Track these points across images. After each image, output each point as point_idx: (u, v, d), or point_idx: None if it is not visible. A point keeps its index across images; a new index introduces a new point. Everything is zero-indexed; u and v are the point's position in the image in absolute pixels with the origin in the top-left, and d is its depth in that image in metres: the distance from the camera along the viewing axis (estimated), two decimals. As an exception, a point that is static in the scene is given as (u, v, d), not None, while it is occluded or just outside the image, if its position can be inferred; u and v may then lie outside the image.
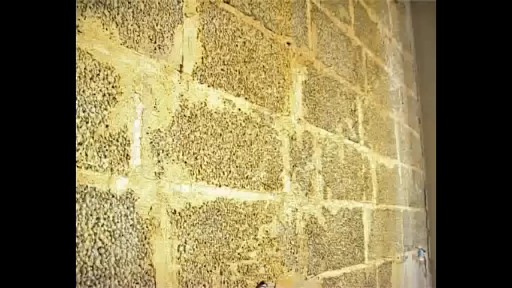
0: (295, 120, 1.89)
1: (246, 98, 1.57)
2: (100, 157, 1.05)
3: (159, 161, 1.21)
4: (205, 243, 1.33)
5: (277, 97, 1.77)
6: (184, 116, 1.30)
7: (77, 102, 1.01)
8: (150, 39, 1.23)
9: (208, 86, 1.41)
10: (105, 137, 1.07)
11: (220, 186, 1.41)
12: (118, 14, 1.15)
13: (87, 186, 1.01)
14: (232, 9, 1.57)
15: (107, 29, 1.11)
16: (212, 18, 1.47)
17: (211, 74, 1.43)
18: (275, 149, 1.72)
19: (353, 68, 2.62)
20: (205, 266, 1.32)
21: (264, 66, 1.71)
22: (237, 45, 1.57)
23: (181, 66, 1.32)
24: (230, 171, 1.46)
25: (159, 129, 1.22)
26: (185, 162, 1.29)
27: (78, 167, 1.00)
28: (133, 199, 1.12)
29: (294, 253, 1.78)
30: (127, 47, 1.16)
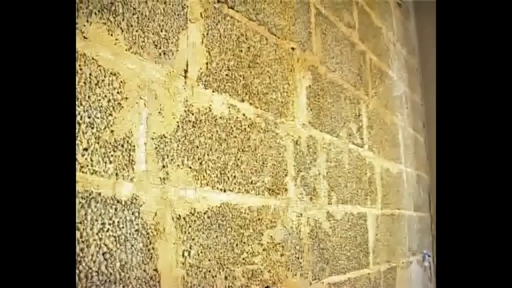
0: (299, 125, 1.89)
1: (250, 103, 1.58)
2: (105, 162, 1.05)
3: (163, 166, 1.21)
4: (210, 248, 1.33)
5: (281, 102, 1.77)
6: (189, 121, 1.31)
7: (82, 107, 1.01)
8: (155, 45, 1.24)
9: (213, 91, 1.41)
10: (110, 143, 1.07)
11: (225, 191, 1.41)
12: (123, 19, 1.15)
13: (92, 192, 1.01)
14: (237, 15, 1.58)
15: (112, 35, 1.12)
16: (217, 24, 1.47)
17: (215, 79, 1.43)
18: (279, 154, 1.72)
19: (357, 72, 2.62)
20: (210, 271, 1.32)
21: (268, 72, 1.71)
22: (241, 51, 1.57)
23: (185, 71, 1.32)
24: (235, 176, 1.46)
25: (164, 134, 1.22)
26: (190, 168, 1.29)
27: (83, 172, 1.00)
28: (138, 204, 1.12)
29: (298, 258, 1.78)
30: (132, 52, 1.16)
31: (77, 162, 0.99)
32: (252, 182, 1.54)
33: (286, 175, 1.75)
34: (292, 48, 1.92)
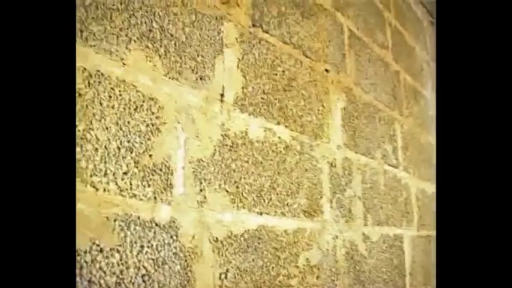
0: (334, 147, 1.89)
1: (286, 126, 1.59)
2: (144, 186, 1.07)
3: (201, 190, 1.22)
4: (246, 271, 1.33)
5: (316, 124, 1.78)
6: (226, 145, 1.32)
7: (121, 132, 1.04)
8: (192, 70, 1.26)
9: (249, 115, 1.43)
10: (148, 167, 1.09)
11: (261, 214, 1.42)
12: (161, 46, 1.18)
13: (131, 215, 1.03)
14: (272, 39, 1.59)
15: (150, 61, 1.14)
16: (252, 48, 1.49)
17: (251, 103, 1.44)
18: (315, 176, 1.72)
19: (391, 93, 2.61)
20: (246, 294, 1.32)
21: (303, 94, 1.72)
22: (276, 74, 1.59)
23: (222, 95, 1.34)
24: (271, 199, 1.46)
25: (201, 158, 1.23)
26: (227, 191, 1.30)
27: (122, 196, 1.02)
28: (176, 227, 1.14)
29: (334, 280, 1.76)
30: (170, 78, 1.19)
31: (116, 186, 1.01)
32: (288, 205, 1.54)
33: (321, 197, 1.75)
34: (327, 70, 1.93)
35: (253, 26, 1.52)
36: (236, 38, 1.43)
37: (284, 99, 1.61)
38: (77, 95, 0.97)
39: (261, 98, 1.49)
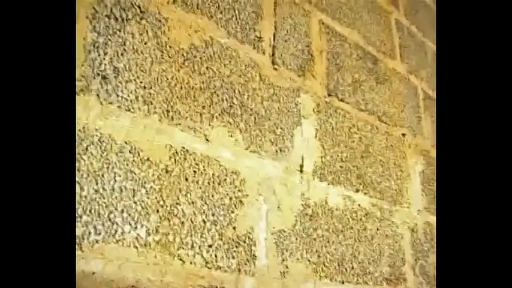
0: (415, 212, 1.86)
1: (365, 193, 1.58)
2: (228, 258, 1.10)
3: (283, 260, 1.23)
4: None
5: (395, 190, 1.77)
6: (306, 214, 1.34)
7: (206, 206, 1.08)
8: (271, 142, 1.30)
9: (328, 184, 1.44)
10: (232, 239, 1.12)
11: (343, 283, 1.40)
12: (241, 121, 1.23)
13: (216, 287, 1.05)
14: (347, 107, 1.62)
15: (231, 136, 1.19)
16: (328, 117, 1.52)
17: (330, 171, 1.46)
18: (396, 242, 1.69)
19: (471, 153, 2.55)
20: None
21: (380, 160, 1.72)
22: (353, 141, 1.60)
23: (301, 166, 1.37)
24: (352, 268, 1.45)
25: (282, 229, 1.25)
26: (309, 260, 1.31)
27: (208, 268, 1.05)
28: (260, 299, 1.15)
29: None
30: (250, 151, 1.23)
31: (202, 259, 1.04)
32: (369, 273, 1.52)
33: (404, 264, 1.71)
34: (403, 135, 1.92)
35: (329, 95, 1.55)
36: (313, 109, 1.47)
37: (362, 166, 1.61)
38: (164, 171, 1.02)
39: (340, 166, 1.51)
